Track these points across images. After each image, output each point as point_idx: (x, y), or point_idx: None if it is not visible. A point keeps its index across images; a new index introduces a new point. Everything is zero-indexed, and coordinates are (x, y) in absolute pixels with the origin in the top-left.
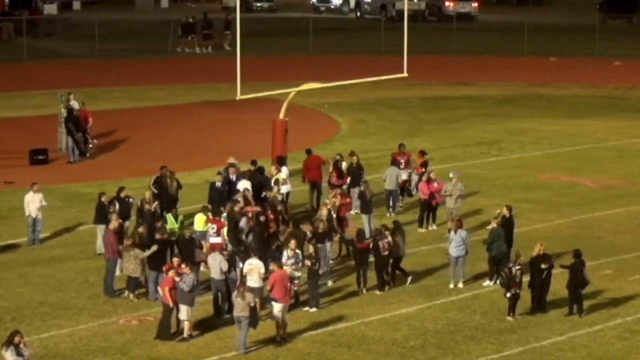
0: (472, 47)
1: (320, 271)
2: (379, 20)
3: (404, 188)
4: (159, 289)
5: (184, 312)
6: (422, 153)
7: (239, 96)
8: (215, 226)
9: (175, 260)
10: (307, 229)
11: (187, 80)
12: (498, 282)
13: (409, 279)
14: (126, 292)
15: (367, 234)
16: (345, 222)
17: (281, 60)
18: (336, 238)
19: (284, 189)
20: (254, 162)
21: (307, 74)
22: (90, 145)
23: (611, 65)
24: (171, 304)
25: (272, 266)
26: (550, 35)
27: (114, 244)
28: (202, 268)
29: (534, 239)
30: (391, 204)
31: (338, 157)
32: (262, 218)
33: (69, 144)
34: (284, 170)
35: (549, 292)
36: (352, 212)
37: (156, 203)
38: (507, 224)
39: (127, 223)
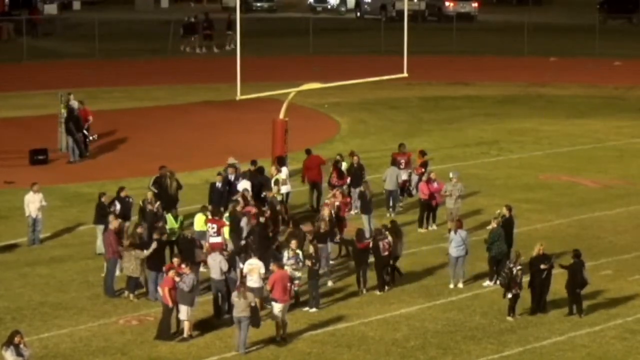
0: (472, 47)
1: (321, 271)
2: (379, 20)
3: (404, 188)
4: (159, 289)
5: (184, 312)
6: (422, 153)
7: (239, 96)
8: (215, 226)
9: (175, 260)
10: (307, 229)
11: (187, 80)
12: (498, 282)
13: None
14: (126, 292)
15: (367, 234)
16: (344, 222)
17: (281, 60)
18: (336, 238)
19: (284, 189)
20: (254, 162)
21: (307, 74)
22: (91, 139)
23: (611, 65)
24: (171, 304)
25: (272, 266)
26: (550, 35)
27: (114, 244)
28: (201, 268)
29: (534, 239)
30: (391, 204)
31: (338, 157)
32: (261, 219)
33: (69, 144)
34: (284, 171)
35: (549, 292)
36: (353, 212)
37: (158, 203)
38: (507, 224)
39: (127, 223)
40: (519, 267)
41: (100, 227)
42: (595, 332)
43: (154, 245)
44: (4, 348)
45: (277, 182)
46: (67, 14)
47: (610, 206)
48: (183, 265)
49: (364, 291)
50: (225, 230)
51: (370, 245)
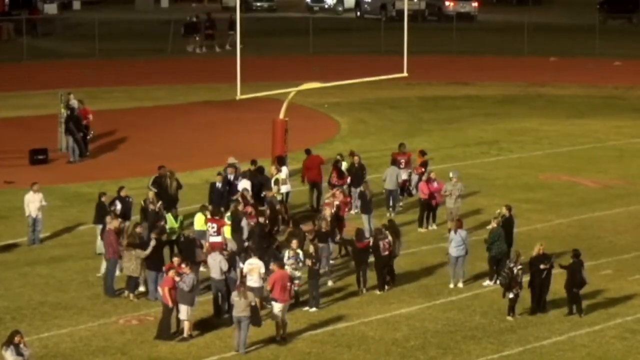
0: (472, 47)
1: (321, 271)
2: (379, 20)
3: (404, 188)
4: (159, 288)
5: (184, 312)
6: (422, 153)
7: (239, 96)
8: (215, 225)
9: (176, 260)
10: (307, 228)
11: (187, 80)
12: (498, 281)
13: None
14: (126, 292)
15: (367, 234)
16: (343, 222)
17: (281, 60)
18: (337, 238)
19: (284, 188)
20: (254, 162)
21: (307, 74)
22: (91, 134)
23: (611, 65)
24: (171, 304)
25: (273, 266)
26: (550, 35)
27: (115, 244)
28: (201, 268)
29: (534, 239)
30: (391, 203)
31: (338, 157)
32: (260, 219)
33: (69, 144)
34: (284, 170)
35: (549, 292)
36: (353, 211)
37: (160, 203)
38: (507, 224)
39: (127, 223)
40: (519, 267)
41: (100, 227)
42: (595, 332)
43: (152, 243)
44: (4, 348)
45: (277, 182)
46: (67, 14)
47: (610, 206)
48: (183, 265)
49: (364, 291)
50: (226, 230)
51: (371, 244)
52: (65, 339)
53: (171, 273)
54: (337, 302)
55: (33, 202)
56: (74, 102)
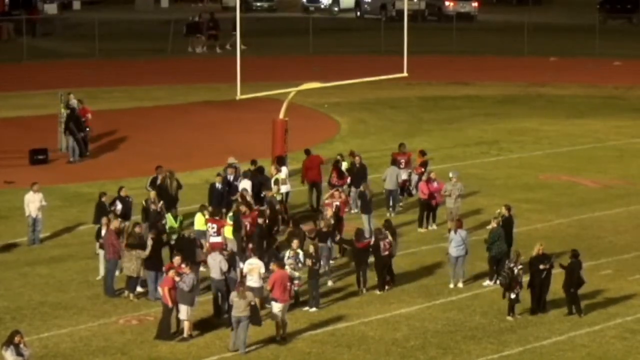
0: (472, 47)
1: (321, 271)
2: (379, 20)
3: (404, 188)
4: (159, 288)
5: (184, 312)
6: (422, 153)
7: (239, 96)
8: (215, 226)
9: (176, 260)
10: (307, 228)
11: (187, 80)
12: (498, 281)
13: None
14: (126, 292)
15: (367, 234)
16: (342, 222)
17: (281, 60)
18: (336, 238)
19: (284, 188)
20: (254, 162)
21: (307, 74)
22: (86, 132)
23: (611, 65)
24: (170, 304)
25: (272, 266)
26: (550, 35)
27: (116, 244)
28: (201, 268)
29: (534, 239)
30: (391, 203)
31: (339, 157)
32: (260, 220)
33: (69, 144)
34: (284, 170)
35: (549, 292)
36: (353, 211)
37: (161, 203)
38: (506, 224)
39: (127, 223)
40: (519, 267)
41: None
42: (595, 332)
43: (149, 243)
44: (4, 348)
45: (276, 182)
46: (67, 14)
47: (610, 206)
48: (183, 265)
49: (364, 291)
50: (227, 230)
51: (371, 244)
52: (65, 339)
53: (171, 273)
54: (337, 302)
55: (33, 202)
56: (74, 102)
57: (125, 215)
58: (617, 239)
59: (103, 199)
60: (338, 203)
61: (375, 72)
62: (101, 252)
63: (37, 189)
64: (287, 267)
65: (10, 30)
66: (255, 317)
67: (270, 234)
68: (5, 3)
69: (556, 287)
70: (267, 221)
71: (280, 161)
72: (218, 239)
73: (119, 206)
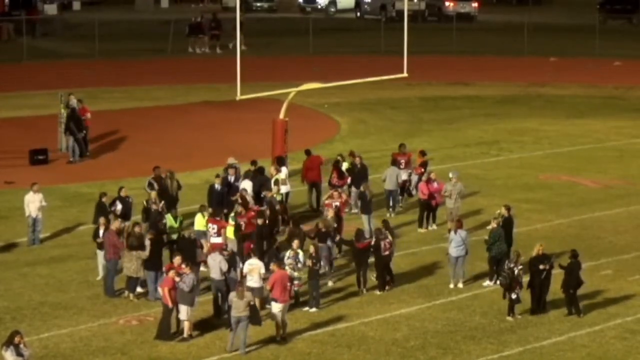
0: (472, 47)
1: (321, 271)
2: (379, 21)
3: (404, 188)
4: (159, 289)
5: (184, 312)
6: (422, 153)
7: (239, 96)
8: (215, 226)
9: (176, 260)
10: (307, 228)
11: (187, 80)
12: (498, 282)
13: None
14: (126, 292)
15: (367, 235)
16: (342, 222)
17: (281, 60)
18: (337, 239)
19: (284, 189)
20: (254, 163)
21: (307, 74)
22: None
23: (611, 65)
24: (170, 305)
25: (272, 266)
26: (550, 35)
27: (117, 244)
28: (202, 267)
29: (534, 239)
30: (391, 204)
31: (339, 157)
32: (259, 221)
33: (69, 144)
34: (284, 171)
35: (549, 292)
36: (354, 210)
37: (162, 203)
38: (506, 224)
39: (127, 223)
40: (520, 267)
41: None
42: (595, 332)
43: (147, 243)
44: (4, 348)
45: (276, 182)
46: (67, 14)
47: (610, 206)
48: (183, 265)
49: (364, 291)
50: (229, 230)
51: (372, 244)
52: (65, 339)
53: (171, 273)
54: (337, 302)
55: (33, 202)
56: (74, 102)
57: (125, 215)
58: (617, 239)
59: (103, 199)
60: (337, 203)
61: (375, 72)
62: (99, 253)
63: (37, 189)
64: (286, 267)
65: (10, 30)
66: (254, 317)
67: (271, 234)
68: (5, 3)
69: (556, 288)
70: (267, 222)
71: (280, 161)
72: (219, 240)
73: (119, 206)
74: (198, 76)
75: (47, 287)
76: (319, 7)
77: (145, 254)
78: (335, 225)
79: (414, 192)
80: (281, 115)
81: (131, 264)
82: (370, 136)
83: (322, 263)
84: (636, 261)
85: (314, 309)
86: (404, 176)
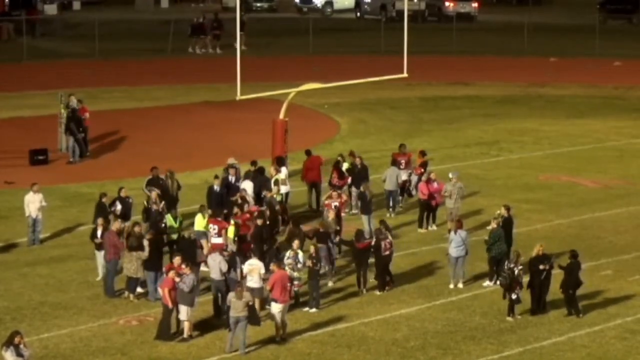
0: (472, 47)
1: (321, 271)
2: (379, 21)
3: (404, 188)
4: (159, 289)
5: (184, 312)
6: (423, 153)
7: (239, 96)
8: (216, 227)
9: (176, 260)
10: (307, 228)
11: (187, 80)
12: (498, 282)
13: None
14: (126, 293)
15: (367, 235)
16: (341, 223)
17: (281, 60)
18: (336, 239)
19: (284, 189)
20: (254, 163)
21: (307, 74)
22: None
23: (611, 65)
24: (170, 305)
25: (272, 266)
26: (550, 35)
27: (117, 245)
28: (203, 267)
29: (533, 239)
30: (391, 204)
31: (339, 157)
32: (258, 221)
33: (69, 144)
34: (284, 171)
35: (549, 292)
36: (354, 210)
37: (163, 203)
38: (506, 224)
39: (127, 223)
40: (520, 267)
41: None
42: (595, 332)
43: (145, 244)
44: (4, 348)
45: (276, 183)
46: (67, 14)
47: (610, 206)
48: (183, 266)
49: (364, 291)
50: (230, 230)
51: (372, 244)
52: (65, 339)
53: (171, 274)
54: (337, 303)
55: (33, 202)
56: (74, 102)
57: (125, 215)
58: (617, 239)
59: (103, 200)
60: (337, 204)
61: (375, 72)
62: (97, 254)
63: (37, 189)
64: (285, 267)
65: (10, 30)
66: (253, 317)
67: (271, 234)
68: (5, 3)
69: (556, 288)
70: (267, 222)
71: (279, 162)
72: (219, 240)
73: (118, 207)
74: (198, 76)
75: (47, 287)
76: (316, 7)
77: (145, 254)
78: (338, 227)
79: (413, 192)
80: (281, 116)
81: (131, 264)
82: (370, 136)
83: (322, 263)
84: (636, 261)
85: (314, 309)
86: (404, 176)
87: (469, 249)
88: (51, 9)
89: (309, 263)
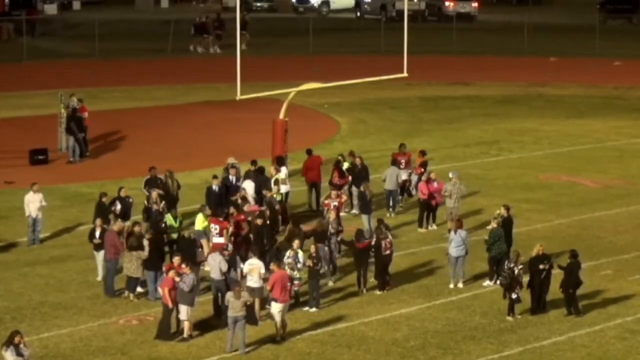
0: (472, 47)
1: (321, 271)
2: (379, 20)
3: (404, 188)
4: (159, 289)
5: (184, 312)
6: (423, 153)
7: (239, 96)
8: (218, 227)
9: (176, 260)
10: (307, 228)
11: (187, 80)
12: (498, 282)
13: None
14: (126, 292)
15: (367, 234)
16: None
17: (281, 60)
18: (339, 238)
19: (283, 189)
20: (254, 162)
21: (307, 74)
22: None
23: (611, 65)
24: (170, 305)
25: (273, 266)
26: (550, 35)
27: (118, 245)
28: (206, 267)
29: (533, 239)
30: (391, 204)
31: (340, 157)
32: (258, 221)
33: (69, 144)
34: (283, 170)
35: (549, 292)
36: (354, 210)
37: (163, 203)
38: (506, 224)
39: (127, 223)
40: (520, 267)
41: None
42: (595, 332)
43: (146, 243)
44: (4, 348)
45: (276, 182)
46: (67, 14)
47: (610, 206)
48: (183, 265)
49: (364, 291)
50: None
51: (373, 244)
52: (65, 339)
53: (171, 273)
54: (337, 302)
55: (33, 202)
56: (75, 102)
57: (124, 215)
58: (617, 239)
59: (103, 200)
60: (336, 203)
61: (375, 72)
62: (96, 254)
63: (37, 189)
64: (285, 267)
65: (10, 30)
66: (251, 317)
67: (271, 234)
68: (5, 3)
69: (556, 287)
70: (267, 222)
71: (279, 161)
72: (221, 240)
73: (118, 206)
74: (198, 76)
75: (47, 287)
76: (312, 7)
77: (145, 254)
78: (341, 228)
79: (413, 192)
80: (281, 115)
81: (131, 264)
82: (370, 136)
83: (322, 263)
84: (636, 261)
85: (314, 309)
86: (404, 176)
87: (469, 249)
88: (51, 9)
89: (309, 263)
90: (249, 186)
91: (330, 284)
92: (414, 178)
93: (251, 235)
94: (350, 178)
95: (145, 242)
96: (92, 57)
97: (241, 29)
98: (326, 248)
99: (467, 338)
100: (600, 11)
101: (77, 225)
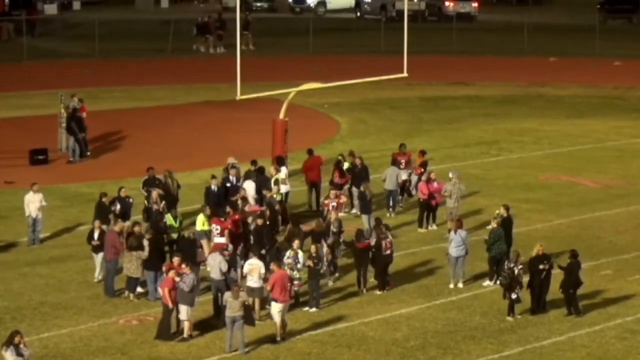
0: (472, 47)
1: (321, 271)
2: (379, 20)
3: (404, 188)
4: (159, 289)
5: (184, 312)
6: (423, 153)
7: (239, 96)
8: (219, 227)
9: (176, 260)
10: (307, 228)
11: (187, 80)
12: (498, 282)
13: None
14: (126, 293)
15: (367, 234)
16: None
17: (281, 60)
18: (341, 239)
19: (283, 189)
20: (254, 162)
21: (307, 74)
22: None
23: (611, 65)
24: (171, 305)
25: (273, 266)
26: (550, 35)
27: (118, 245)
28: (208, 267)
29: (533, 239)
30: (391, 204)
31: (340, 157)
32: (259, 221)
33: (69, 144)
34: (283, 170)
35: (549, 292)
36: (354, 210)
37: (163, 203)
38: (506, 224)
39: (127, 223)
40: (520, 267)
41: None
42: (595, 332)
43: (146, 243)
44: (4, 348)
45: (276, 182)
46: (67, 14)
47: (610, 206)
48: (183, 265)
49: (364, 291)
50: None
51: (373, 244)
52: (65, 339)
53: (171, 273)
54: (337, 302)
55: (33, 202)
56: (75, 102)
57: (124, 215)
58: (617, 239)
59: (103, 200)
60: (335, 204)
61: (375, 72)
62: (95, 256)
63: (37, 189)
64: (285, 267)
65: (10, 30)
66: (248, 317)
67: (271, 234)
68: (5, 3)
69: (556, 287)
70: (267, 222)
71: (279, 161)
72: (222, 240)
73: (118, 206)
74: (198, 76)
75: (47, 287)
76: (309, 7)
77: (145, 254)
78: (343, 229)
79: (413, 192)
80: (281, 115)
81: (131, 264)
82: (370, 136)
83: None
84: (636, 261)
85: (314, 309)
86: (404, 176)
87: (469, 249)
88: (51, 9)
89: (309, 263)
90: (249, 186)
91: (330, 284)
92: (414, 178)
93: (251, 236)
94: (350, 178)
95: (145, 242)
96: (92, 57)
97: (244, 29)
98: (325, 248)
99: (467, 338)
100: (600, 11)
101: (77, 225)
